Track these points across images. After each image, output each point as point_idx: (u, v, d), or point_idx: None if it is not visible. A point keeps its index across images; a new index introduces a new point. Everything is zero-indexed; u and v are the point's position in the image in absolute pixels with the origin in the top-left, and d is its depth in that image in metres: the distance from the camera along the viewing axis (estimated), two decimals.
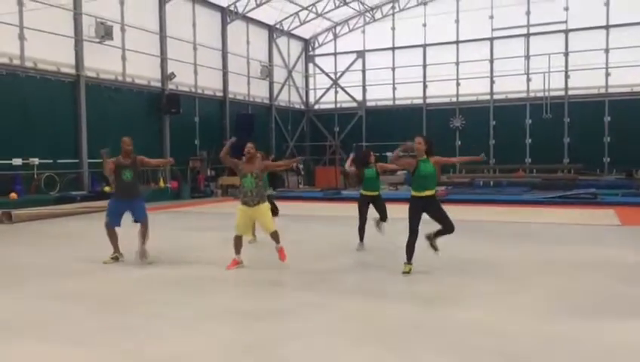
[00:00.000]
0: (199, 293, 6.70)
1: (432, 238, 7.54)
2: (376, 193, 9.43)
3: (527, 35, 27.24)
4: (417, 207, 7.39)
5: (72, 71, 18.81)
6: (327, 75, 31.89)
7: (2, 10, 16.15)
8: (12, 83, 16.88)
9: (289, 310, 5.93)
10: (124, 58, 20.76)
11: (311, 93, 32.79)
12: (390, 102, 30.43)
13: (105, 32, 19.18)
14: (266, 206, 7.93)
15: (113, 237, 8.54)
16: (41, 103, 17.67)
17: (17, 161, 17.05)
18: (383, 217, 9.40)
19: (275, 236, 7.95)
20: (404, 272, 7.36)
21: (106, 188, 18.73)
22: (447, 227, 7.39)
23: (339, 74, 31.54)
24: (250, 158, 7.89)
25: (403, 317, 5.70)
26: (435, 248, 7.55)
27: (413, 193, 7.46)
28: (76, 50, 18.86)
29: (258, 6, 25.54)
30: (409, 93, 29.80)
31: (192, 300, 6.38)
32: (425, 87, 29.53)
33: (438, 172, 7.62)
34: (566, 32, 26.54)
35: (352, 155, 10.39)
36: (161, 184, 21.33)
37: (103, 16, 19.31)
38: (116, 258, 8.53)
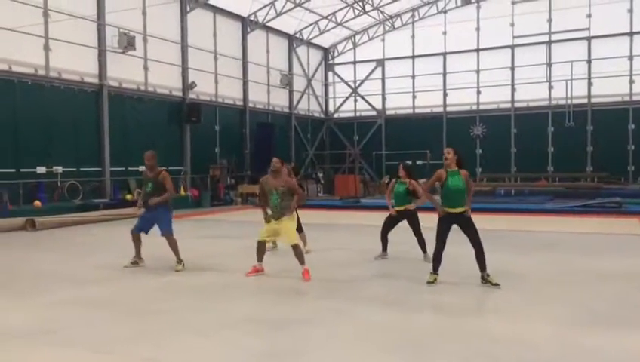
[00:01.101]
0: (220, 301, 6.71)
1: (484, 277, 7.17)
2: (402, 208, 9.05)
3: (549, 43, 26.98)
4: (447, 222, 7.24)
5: (96, 81, 19.10)
6: (346, 83, 31.93)
7: (28, 22, 16.49)
8: (37, 93, 17.19)
9: (311, 318, 5.90)
10: (146, 68, 21.04)
11: (330, 101, 32.84)
12: (410, 111, 30.34)
13: (127, 43, 19.44)
14: (290, 218, 7.95)
15: (136, 242, 8.76)
16: (64, 112, 17.96)
17: (41, 170, 17.33)
18: (422, 248, 9.00)
19: (298, 253, 7.86)
20: (428, 282, 7.27)
21: (128, 196, 18.97)
22: (476, 245, 7.18)
23: (358, 82, 31.56)
24: (276, 172, 7.95)
25: (426, 326, 5.65)
26: (495, 284, 7.08)
27: (443, 207, 7.26)
28: (99, 61, 19.16)
29: (278, 15, 25.70)
30: (429, 102, 29.69)
31: (213, 308, 6.39)
32: (445, 95, 29.40)
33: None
34: (589, 39, 26.23)
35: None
36: (182, 192, 21.51)
37: (126, 26, 19.61)
38: (135, 262, 8.74)
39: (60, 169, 17.75)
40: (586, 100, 26.57)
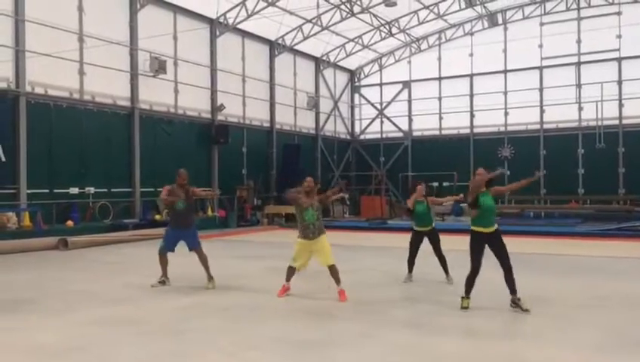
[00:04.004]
0: (246, 321, 6.75)
1: (515, 301, 7.05)
2: (429, 228, 9.15)
3: (579, 64, 26.72)
4: (480, 243, 7.11)
5: (128, 103, 19.56)
6: (372, 105, 32.05)
7: (64, 48, 17.05)
8: (71, 115, 17.68)
9: (337, 340, 5.90)
10: (176, 91, 21.49)
11: (357, 123, 32.97)
12: (437, 132, 30.24)
13: (159, 66, 19.92)
14: (325, 238, 7.87)
15: (164, 263, 8.93)
16: (97, 134, 18.40)
17: (74, 190, 17.74)
18: (445, 269, 9.05)
19: (334, 273, 7.79)
20: (463, 307, 7.14)
21: (157, 217, 19.25)
22: (504, 266, 7.10)
23: (384, 104, 31.65)
24: (309, 192, 7.88)
25: (453, 350, 5.60)
26: (525, 309, 6.95)
27: (475, 228, 7.14)
28: (131, 84, 19.64)
29: (305, 39, 26.05)
30: (456, 123, 29.54)
31: (240, 328, 6.43)
32: (472, 116, 29.25)
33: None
34: (619, 59, 25.92)
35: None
36: (209, 213, 21.75)
37: (158, 51, 20.09)
38: (163, 282, 8.90)
39: (92, 190, 18.14)
40: (617, 122, 26.14)
